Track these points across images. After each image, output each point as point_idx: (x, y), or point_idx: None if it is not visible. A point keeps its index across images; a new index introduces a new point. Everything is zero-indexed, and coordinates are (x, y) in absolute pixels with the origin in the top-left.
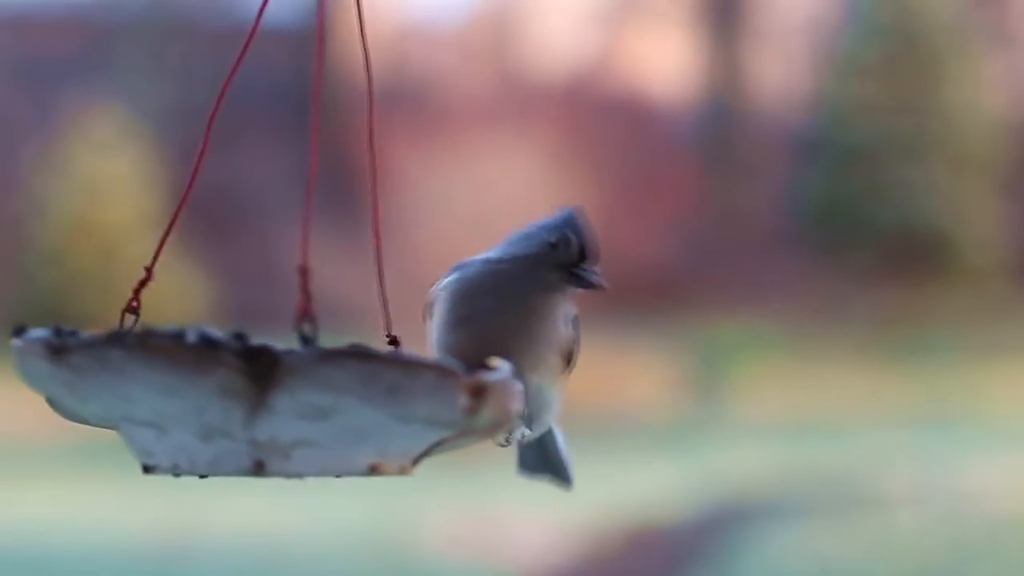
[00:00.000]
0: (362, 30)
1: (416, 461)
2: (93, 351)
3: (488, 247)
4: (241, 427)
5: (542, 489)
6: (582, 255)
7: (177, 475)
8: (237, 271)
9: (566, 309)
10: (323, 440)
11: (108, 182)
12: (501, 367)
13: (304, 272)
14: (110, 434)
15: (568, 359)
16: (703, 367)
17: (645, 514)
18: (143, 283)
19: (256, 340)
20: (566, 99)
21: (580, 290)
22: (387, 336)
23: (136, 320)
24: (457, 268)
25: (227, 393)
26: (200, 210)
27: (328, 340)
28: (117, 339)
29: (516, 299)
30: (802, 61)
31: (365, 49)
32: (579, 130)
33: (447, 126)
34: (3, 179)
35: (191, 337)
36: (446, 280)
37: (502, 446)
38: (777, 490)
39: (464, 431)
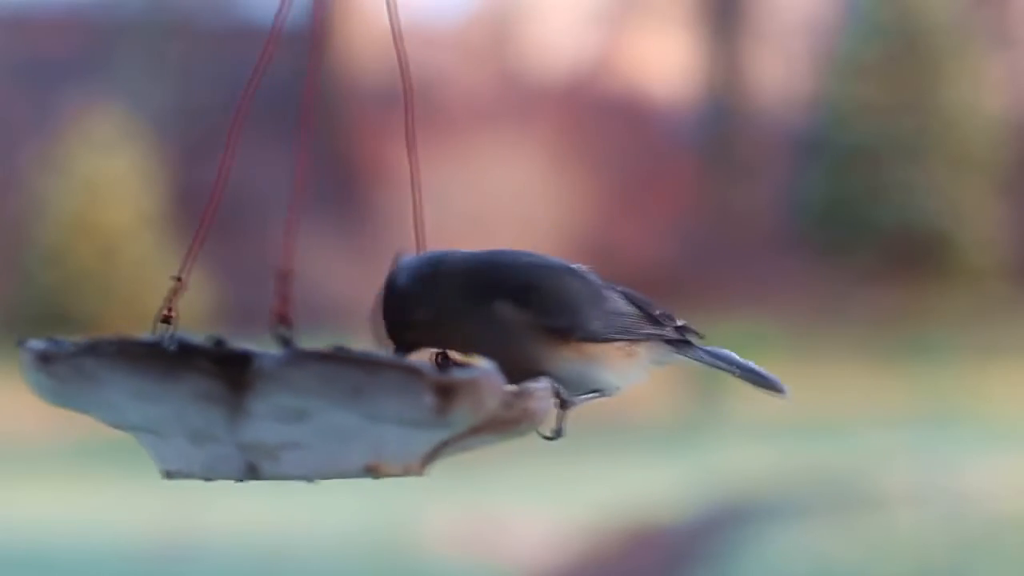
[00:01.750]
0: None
1: (426, 461)
2: (71, 361)
3: (487, 247)
4: (225, 431)
5: (542, 489)
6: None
7: (192, 479)
8: (237, 271)
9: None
10: (308, 442)
11: (108, 182)
12: (481, 366)
13: (284, 275)
14: (110, 434)
15: (590, 337)
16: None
17: (645, 514)
18: (175, 292)
19: (238, 344)
20: (566, 99)
21: None
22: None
23: (170, 328)
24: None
25: (203, 397)
26: (200, 210)
27: (328, 340)
28: (91, 349)
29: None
30: (802, 61)
31: (399, 55)
32: (579, 130)
33: (447, 126)
34: (3, 179)
35: (167, 344)
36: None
37: (549, 439)
38: (777, 490)
39: (455, 431)
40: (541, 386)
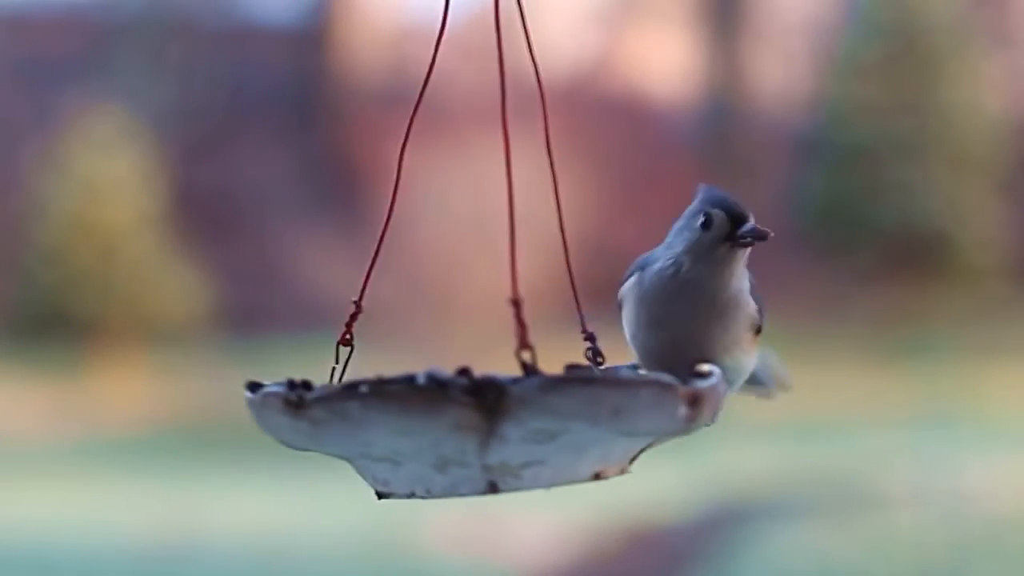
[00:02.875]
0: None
1: (633, 461)
2: (330, 405)
3: (487, 248)
4: (475, 456)
5: (541, 489)
6: (733, 221)
7: (411, 499)
8: (237, 271)
9: (746, 282)
10: (550, 458)
11: (108, 182)
12: (711, 372)
13: (517, 304)
14: (110, 434)
15: (757, 330)
16: None
17: (645, 514)
18: (354, 316)
19: (486, 374)
20: (566, 99)
21: (750, 248)
22: (583, 333)
23: (351, 352)
24: (637, 268)
25: (460, 428)
26: (200, 210)
27: (329, 340)
28: (352, 391)
29: (704, 299)
30: (802, 61)
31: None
32: (579, 130)
33: (447, 126)
34: (3, 179)
35: (421, 380)
36: (629, 282)
37: (708, 426)
38: (777, 490)
39: (690, 434)
40: (723, 385)
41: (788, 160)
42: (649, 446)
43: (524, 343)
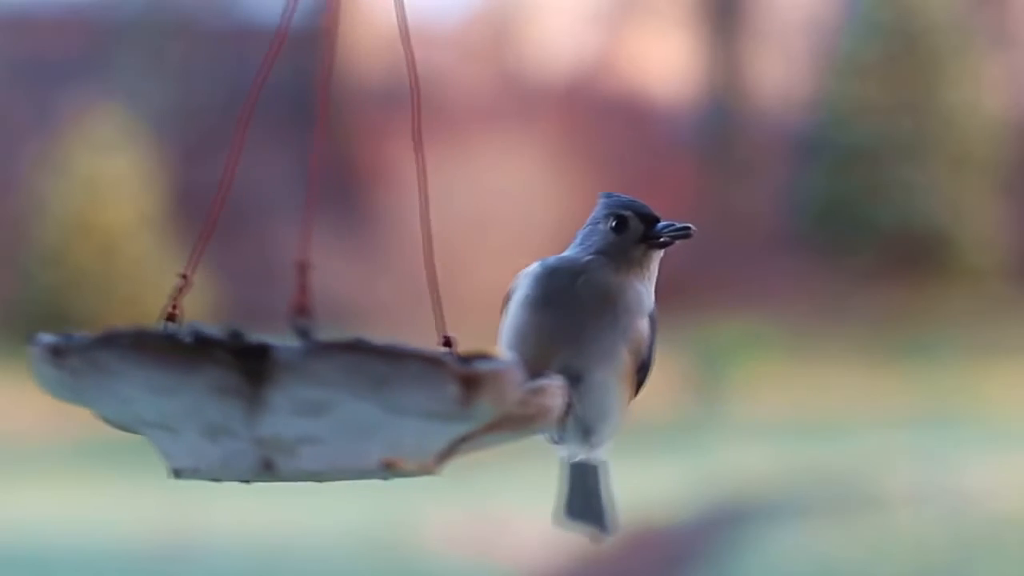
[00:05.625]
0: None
1: (441, 459)
2: (87, 354)
3: (487, 248)
4: (243, 425)
5: (542, 489)
6: (646, 221)
7: (201, 479)
8: (237, 271)
9: (646, 302)
10: (327, 436)
11: (108, 182)
12: (502, 357)
13: (303, 267)
14: (110, 434)
15: (637, 358)
16: (703, 367)
17: (645, 514)
18: (180, 290)
19: (255, 335)
20: (566, 99)
21: (670, 246)
22: (443, 337)
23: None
24: (540, 261)
25: (222, 391)
26: (200, 210)
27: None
28: (107, 341)
29: (595, 283)
30: (802, 61)
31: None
32: (579, 130)
33: (447, 126)
34: (3, 179)
35: (184, 336)
36: (529, 268)
37: (554, 443)
38: (777, 490)
39: (476, 425)
40: (557, 383)
41: (788, 160)
42: (461, 444)
43: (301, 307)
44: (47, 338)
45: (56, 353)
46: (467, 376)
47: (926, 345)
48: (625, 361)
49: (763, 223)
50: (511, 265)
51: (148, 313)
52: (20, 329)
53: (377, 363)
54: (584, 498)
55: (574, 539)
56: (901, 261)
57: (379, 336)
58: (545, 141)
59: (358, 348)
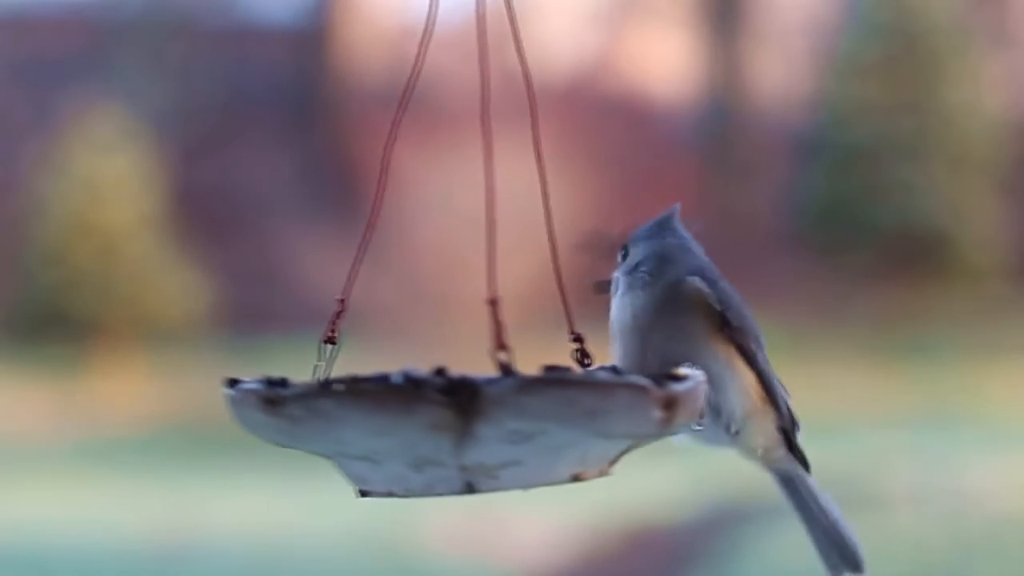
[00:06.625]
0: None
1: (614, 463)
2: (306, 403)
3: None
4: (450, 456)
5: (542, 489)
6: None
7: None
8: (237, 271)
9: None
10: (527, 459)
11: (108, 182)
12: (689, 375)
13: (494, 303)
14: (109, 434)
15: (719, 318)
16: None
17: (645, 514)
18: (339, 314)
19: (460, 373)
20: (566, 99)
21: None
22: (571, 335)
23: (337, 350)
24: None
25: (435, 428)
26: (200, 210)
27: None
28: (327, 389)
29: (643, 313)
30: (802, 61)
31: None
32: (579, 130)
33: (447, 126)
34: (3, 179)
35: (396, 379)
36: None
37: (697, 429)
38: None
39: (672, 436)
40: (703, 379)
41: (788, 160)
42: (630, 448)
43: (500, 343)
44: (253, 385)
45: (271, 403)
46: (669, 399)
47: (926, 345)
48: (712, 338)
49: (763, 223)
50: (511, 265)
51: (148, 313)
52: (20, 329)
53: (586, 396)
54: (824, 534)
55: (574, 539)
56: (901, 261)
57: (575, 370)
58: (545, 141)
59: (566, 383)
